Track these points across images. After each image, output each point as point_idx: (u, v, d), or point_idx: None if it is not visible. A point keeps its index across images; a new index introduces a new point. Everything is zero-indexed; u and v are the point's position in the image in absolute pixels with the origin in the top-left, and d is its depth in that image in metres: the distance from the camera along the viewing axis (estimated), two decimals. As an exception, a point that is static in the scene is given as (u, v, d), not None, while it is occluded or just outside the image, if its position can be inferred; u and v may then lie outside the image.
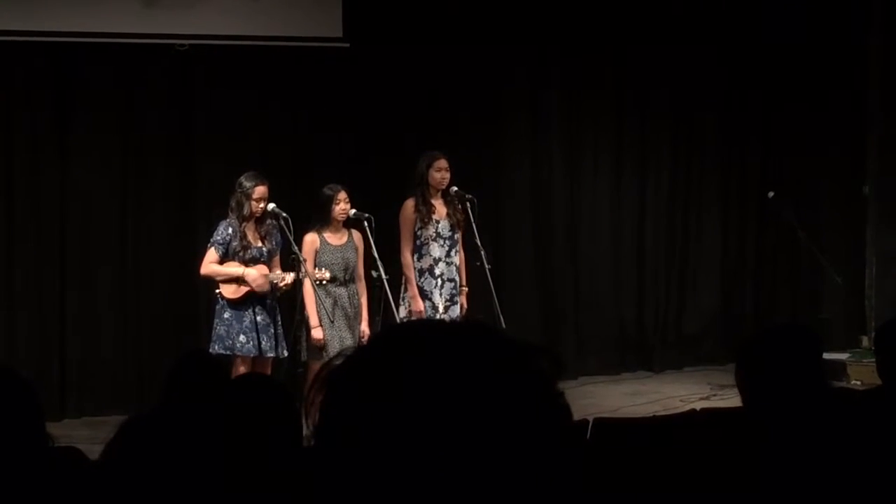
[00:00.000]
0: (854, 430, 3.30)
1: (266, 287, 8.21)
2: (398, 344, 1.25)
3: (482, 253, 8.78)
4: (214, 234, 8.26)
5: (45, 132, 9.54)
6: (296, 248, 8.22)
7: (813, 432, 3.26)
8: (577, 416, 1.34)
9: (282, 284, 8.23)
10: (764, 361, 3.49)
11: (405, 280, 8.75)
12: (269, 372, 8.14)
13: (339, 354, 1.29)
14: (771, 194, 10.74)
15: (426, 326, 1.28)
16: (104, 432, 2.24)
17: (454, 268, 8.81)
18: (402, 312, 8.66)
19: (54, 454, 3.11)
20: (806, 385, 3.44)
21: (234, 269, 8.20)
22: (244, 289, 8.20)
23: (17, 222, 9.49)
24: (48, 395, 8.96)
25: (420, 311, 8.58)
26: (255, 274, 8.17)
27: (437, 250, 8.74)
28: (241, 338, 8.17)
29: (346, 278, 8.45)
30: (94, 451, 2.60)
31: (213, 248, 8.23)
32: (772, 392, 3.42)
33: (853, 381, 9.85)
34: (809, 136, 11.70)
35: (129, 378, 9.66)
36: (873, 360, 4.77)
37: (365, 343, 1.32)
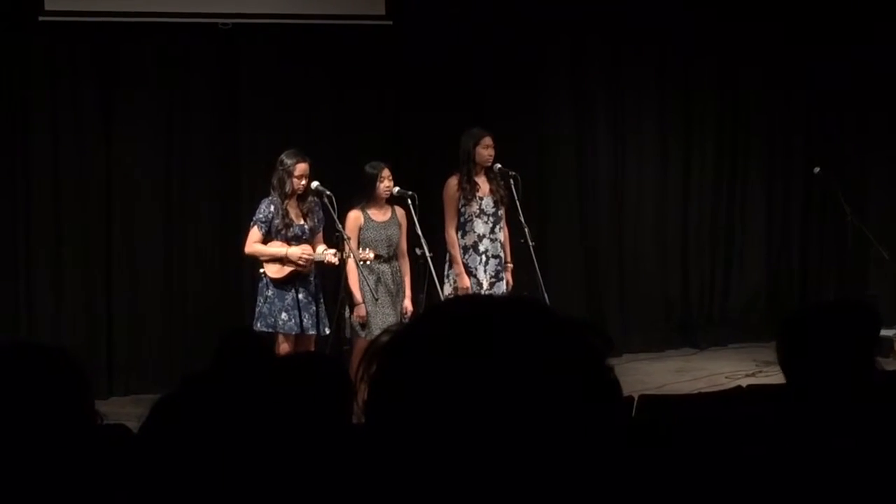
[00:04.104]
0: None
1: (309, 266, 8.25)
2: (447, 319, 1.25)
3: (526, 230, 8.79)
4: (257, 212, 8.29)
5: (89, 112, 9.59)
6: (339, 225, 8.24)
7: (858, 414, 3.22)
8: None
9: (326, 261, 8.26)
10: (806, 339, 3.43)
11: (450, 257, 8.77)
12: (312, 349, 8.18)
13: (386, 330, 1.29)
14: (817, 170, 10.66)
15: (476, 302, 1.28)
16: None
17: (498, 244, 8.82)
18: (447, 290, 8.68)
19: (103, 431, 3.14)
20: (851, 365, 3.38)
21: (277, 249, 8.23)
22: (288, 268, 8.23)
23: (63, 203, 9.55)
24: (96, 373, 9.05)
25: (466, 288, 8.59)
26: (297, 252, 8.19)
27: (481, 227, 8.75)
28: (283, 315, 8.21)
29: (390, 255, 8.47)
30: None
31: (255, 227, 8.26)
32: (814, 371, 3.37)
33: (901, 358, 9.77)
34: (855, 112, 11.59)
35: (175, 356, 9.72)
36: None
37: (412, 318, 1.32)
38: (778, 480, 3.10)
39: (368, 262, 8.28)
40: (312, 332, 8.30)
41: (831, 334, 3.40)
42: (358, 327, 8.35)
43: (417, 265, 8.55)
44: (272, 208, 8.24)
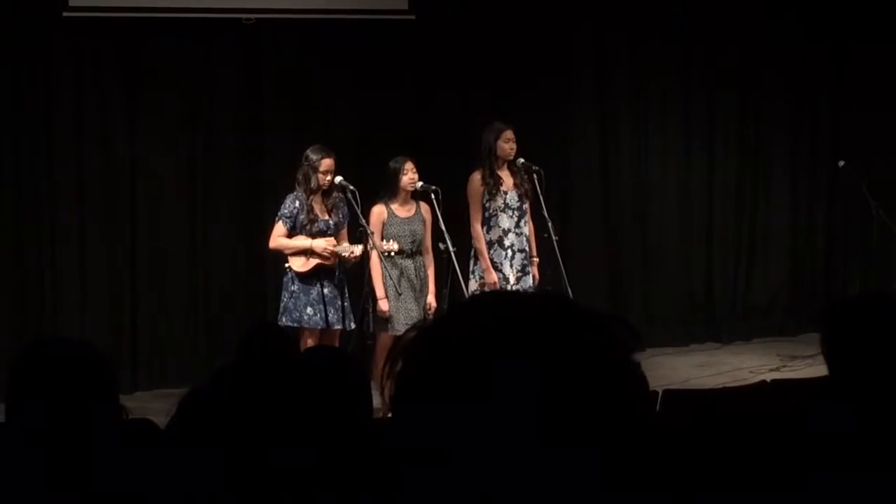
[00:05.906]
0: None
1: (334, 259, 8.25)
2: (477, 316, 1.25)
3: (549, 224, 8.78)
4: (282, 207, 8.31)
5: (113, 108, 9.62)
6: (363, 220, 8.25)
7: None
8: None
9: (350, 257, 8.26)
10: (856, 329, 3.35)
11: (476, 252, 8.76)
12: (336, 344, 8.18)
13: (413, 326, 1.29)
14: (841, 163, 10.62)
15: (504, 298, 1.28)
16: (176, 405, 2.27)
17: (524, 238, 8.80)
18: (473, 285, 8.67)
19: (129, 426, 3.15)
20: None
21: (301, 241, 8.24)
22: (313, 262, 8.24)
23: (87, 198, 9.59)
24: (121, 368, 9.07)
25: (494, 283, 8.56)
26: (322, 243, 8.21)
27: (505, 221, 8.73)
28: (309, 310, 8.22)
29: (414, 250, 8.47)
30: (165, 423, 2.62)
31: (280, 222, 8.28)
32: (862, 361, 3.31)
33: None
34: (881, 104, 11.53)
35: (200, 351, 9.75)
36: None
37: (440, 314, 1.32)
38: (805, 476, 3.09)
39: (392, 255, 8.28)
40: (338, 326, 8.31)
41: (882, 325, 3.34)
42: (381, 322, 8.36)
43: (441, 260, 8.55)
44: (297, 203, 8.25)
